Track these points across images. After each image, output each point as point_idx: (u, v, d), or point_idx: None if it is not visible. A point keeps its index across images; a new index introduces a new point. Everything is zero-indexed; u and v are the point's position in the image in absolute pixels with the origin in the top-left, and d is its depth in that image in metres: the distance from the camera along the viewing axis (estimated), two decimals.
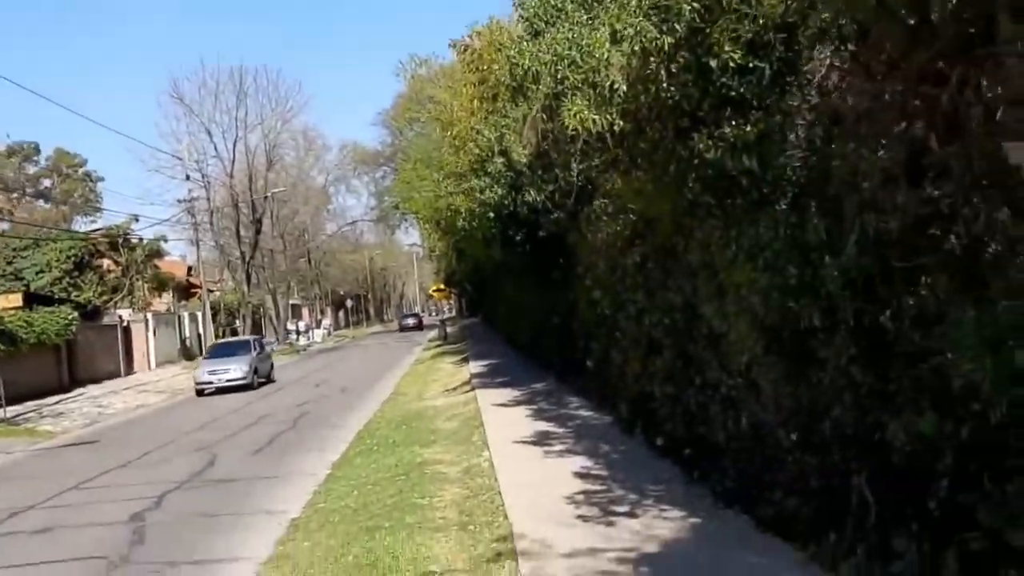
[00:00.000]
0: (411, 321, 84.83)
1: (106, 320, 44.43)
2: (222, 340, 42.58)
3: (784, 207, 6.63)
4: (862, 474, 6.35)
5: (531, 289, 24.23)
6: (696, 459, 10.03)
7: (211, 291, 62.40)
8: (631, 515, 8.42)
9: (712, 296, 8.85)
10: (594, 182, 13.34)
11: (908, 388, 5.61)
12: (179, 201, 48.25)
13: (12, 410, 29.90)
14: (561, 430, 13.81)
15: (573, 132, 9.24)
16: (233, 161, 54.92)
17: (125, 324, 46.25)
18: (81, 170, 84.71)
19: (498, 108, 17.86)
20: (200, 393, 32.39)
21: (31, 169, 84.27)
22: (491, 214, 18.73)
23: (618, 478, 9.99)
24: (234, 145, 55.81)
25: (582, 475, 10.37)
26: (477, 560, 7.75)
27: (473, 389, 21.92)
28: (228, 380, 32.42)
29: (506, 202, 17.59)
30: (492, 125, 18.13)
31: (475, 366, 28.76)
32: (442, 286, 62.08)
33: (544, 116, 11.87)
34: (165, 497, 13.59)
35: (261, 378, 34.70)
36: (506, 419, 15.84)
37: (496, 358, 30.97)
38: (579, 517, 8.46)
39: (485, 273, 39.02)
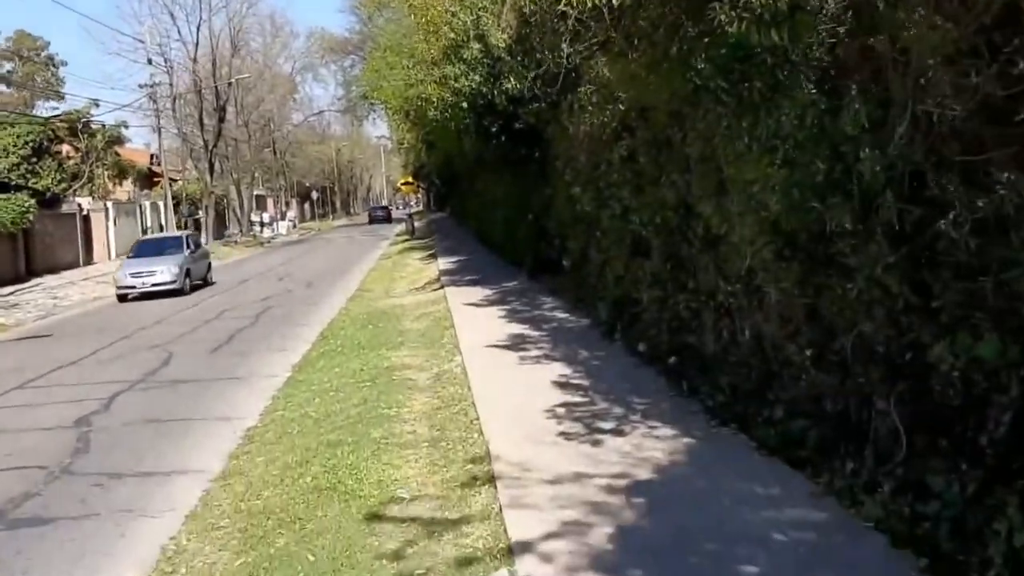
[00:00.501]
0: (380, 213, 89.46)
1: (65, 208, 42.93)
2: (148, 237, 37.04)
3: (813, 91, 5.68)
4: (891, 399, 5.55)
5: (504, 184, 23.25)
6: (684, 370, 9.28)
7: (175, 180, 60.71)
8: (618, 432, 7.63)
9: (712, 193, 7.97)
10: (579, 69, 12.28)
11: (961, 305, 4.77)
12: (140, 86, 46.31)
13: None
14: (536, 333, 12.99)
15: (564, 7, 8.18)
16: (197, 45, 52.63)
17: (85, 213, 44.79)
18: (44, 53, 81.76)
19: None
20: (122, 299, 28.06)
21: None
22: (465, 104, 17.58)
23: (600, 388, 9.20)
24: (198, 28, 53.40)
25: (561, 384, 9.57)
26: (450, 484, 6.93)
27: (442, 287, 21.05)
28: (154, 284, 28.02)
29: (483, 91, 16.48)
30: (468, 7, 16.93)
31: (444, 263, 27.86)
32: (410, 179, 60.66)
33: None
34: (115, 399, 12.72)
35: (196, 280, 30.28)
36: (478, 320, 15.01)
37: (465, 255, 30.06)
38: (561, 435, 7.66)
39: (455, 167, 37.90)
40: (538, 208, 18.49)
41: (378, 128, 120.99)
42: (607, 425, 7.84)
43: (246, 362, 15.31)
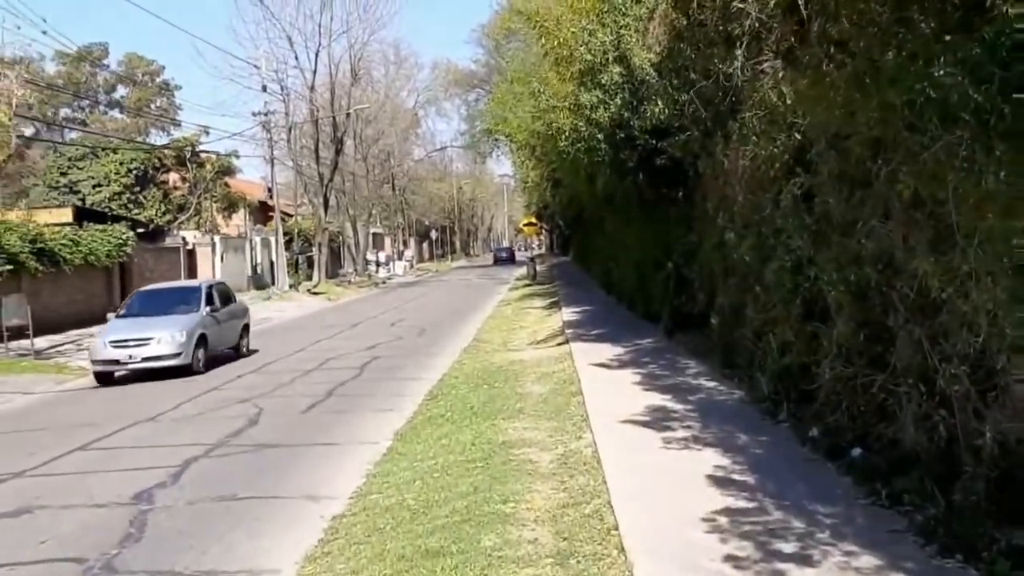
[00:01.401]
0: (504, 254, 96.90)
1: (168, 242, 43.10)
2: (153, 287, 26.62)
3: None
4: None
5: (638, 227, 21.83)
6: (874, 466, 7.68)
7: (288, 216, 61.03)
8: (804, 560, 6.07)
9: (932, 245, 6.41)
10: (740, 92, 10.83)
11: None
12: (254, 114, 46.48)
13: (48, 340, 28.63)
14: (681, 406, 11.44)
15: (741, 4, 6.76)
16: (315, 73, 52.58)
17: (190, 247, 44.94)
18: (158, 79, 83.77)
19: (615, 4, 15.39)
20: (103, 380, 21.07)
21: (101, 77, 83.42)
22: (600, 136, 16.26)
23: (770, 489, 7.65)
24: (316, 55, 53.43)
25: (719, 480, 8.04)
26: None
27: (566, 341, 19.66)
28: (147, 358, 20.72)
29: (622, 119, 15.13)
30: (607, 25, 15.65)
31: (568, 313, 26.47)
32: (533, 220, 59.64)
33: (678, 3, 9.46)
34: (188, 468, 11.66)
35: (221, 349, 23.20)
36: (609, 385, 13.55)
37: (591, 304, 28.64)
38: (729, 560, 6.12)
39: (583, 207, 36.66)
40: (679, 256, 17.00)
41: (501, 166, 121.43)
42: (788, 547, 6.28)
43: (346, 424, 14.21)
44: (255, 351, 24.68)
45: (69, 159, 46.61)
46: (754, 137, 10.29)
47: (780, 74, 8.94)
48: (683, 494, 7.69)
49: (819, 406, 8.91)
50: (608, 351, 17.25)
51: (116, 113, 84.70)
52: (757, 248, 10.96)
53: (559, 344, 19.88)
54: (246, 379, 19.92)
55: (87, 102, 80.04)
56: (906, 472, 7.25)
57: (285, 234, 54.79)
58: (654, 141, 14.82)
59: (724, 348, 13.51)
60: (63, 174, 46.47)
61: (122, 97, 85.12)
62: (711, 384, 12.86)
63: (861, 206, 7.62)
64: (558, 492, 8.54)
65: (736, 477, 8.15)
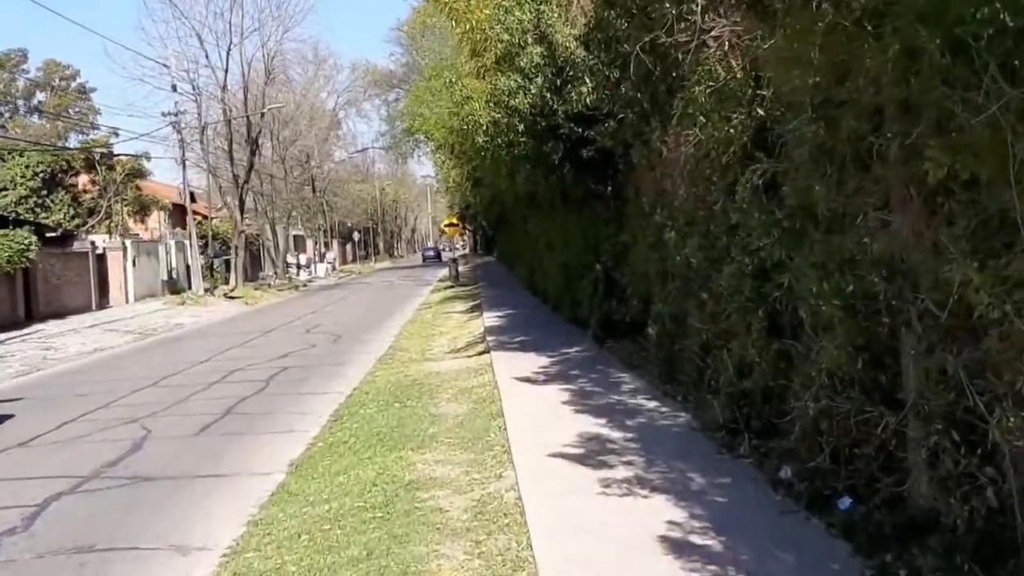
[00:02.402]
0: (432, 253, 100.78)
1: (76, 247, 40.22)
2: None
3: None
4: None
5: (564, 226, 19.98)
6: (877, 526, 5.86)
7: (207, 218, 58.18)
8: None
9: (980, 245, 4.58)
10: (683, 66, 8.91)
11: None
12: (164, 115, 43.64)
13: None
14: (619, 434, 9.49)
15: None
16: (227, 72, 49.38)
17: (100, 251, 42.09)
18: (76, 82, 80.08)
19: None
20: None
21: (21, 83, 79.66)
22: (520, 126, 14.28)
23: (746, 562, 5.74)
24: (228, 53, 50.21)
25: (677, 546, 6.11)
26: None
27: (488, 350, 17.68)
28: None
29: (545, 104, 13.19)
30: (524, 3, 13.72)
31: (490, 317, 24.46)
32: (455, 220, 57.43)
33: None
34: (48, 508, 9.64)
35: None
36: (535, 405, 11.57)
37: (515, 307, 26.65)
38: None
39: (505, 206, 34.86)
40: (609, 257, 15.18)
41: (423, 167, 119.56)
42: None
43: (239, 449, 12.14)
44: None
45: None
46: (702, 117, 8.40)
47: (739, 34, 7.06)
48: (633, 569, 5.76)
49: (794, 442, 7.03)
50: (533, 362, 15.32)
51: (35, 118, 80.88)
52: (705, 249, 9.10)
53: (480, 353, 17.89)
54: (144, 393, 17.70)
55: (5, 108, 76.09)
56: (923, 539, 5.41)
57: (201, 237, 52.01)
58: (580, 129, 12.95)
59: (664, 361, 11.65)
60: None
61: (40, 102, 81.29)
62: (651, 404, 10.94)
63: (856, 195, 5.75)
64: (472, 559, 6.54)
65: (697, 540, 6.22)
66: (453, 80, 17.77)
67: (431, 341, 22.44)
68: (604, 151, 12.89)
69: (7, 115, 79.20)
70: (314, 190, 74.97)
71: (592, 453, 8.74)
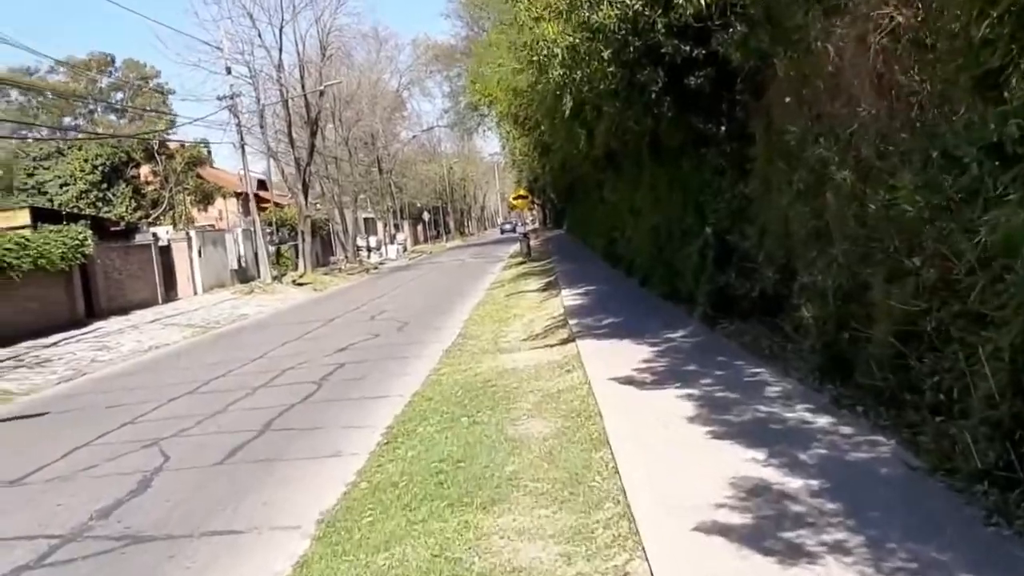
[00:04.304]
0: (508, 227, 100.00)
1: (138, 239, 37.50)
2: None
3: None
4: None
5: (655, 184, 16.47)
6: None
7: (280, 206, 55.43)
8: None
9: None
10: None
11: None
12: (219, 99, 40.63)
13: None
14: (796, 481, 5.90)
15: None
16: (280, 51, 45.90)
17: (164, 243, 39.38)
18: (153, 82, 78.00)
19: None
20: None
21: (105, 83, 77.81)
22: (606, 52, 10.64)
23: None
24: (280, 31, 47.04)
25: None
26: None
27: (572, 338, 14.23)
28: None
29: (640, 17, 9.60)
30: None
31: (569, 295, 20.96)
32: (523, 192, 53.65)
33: None
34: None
35: None
36: (650, 423, 8.04)
37: (594, 282, 23.08)
38: None
39: (576, 174, 31.34)
40: (722, 216, 11.61)
41: (489, 143, 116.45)
42: None
43: (265, 488, 8.95)
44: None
45: (34, 159, 40.98)
46: None
47: None
48: None
49: None
50: (631, 353, 11.87)
51: (112, 117, 79.08)
52: (925, 189, 5.52)
53: (563, 341, 14.44)
54: (180, 403, 14.71)
55: (87, 109, 74.21)
56: None
57: (270, 224, 49.24)
58: (688, 48, 9.38)
59: (828, 354, 8.07)
60: (30, 175, 40.88)
61: (119, 101, 79.44)
62: (822, 421, 7.32)
63: None
64: None
65: None
66: (524, 12, 14.05)
67: (505, 326, 19.06)
68: (721, 75, 9.34)
69: (89, 115, 77.52)
70: (380, 171, 71.59)
71: (768, 524, 5.25)
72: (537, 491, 6.89)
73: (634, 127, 13.36)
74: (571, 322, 15.98)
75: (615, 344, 12.80)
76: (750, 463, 6.37)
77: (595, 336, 13.87)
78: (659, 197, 16.11)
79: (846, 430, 6.93)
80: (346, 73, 58.38)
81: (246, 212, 53.59)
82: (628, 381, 9.94)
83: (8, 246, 26.86)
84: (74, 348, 24.89)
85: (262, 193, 62.45)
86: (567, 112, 16.77)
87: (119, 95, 79.57)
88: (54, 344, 25.81)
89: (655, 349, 11.82)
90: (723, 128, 10.62)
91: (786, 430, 7.17)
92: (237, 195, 54.13)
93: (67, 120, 73.84)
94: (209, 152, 55.81)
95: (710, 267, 12.35)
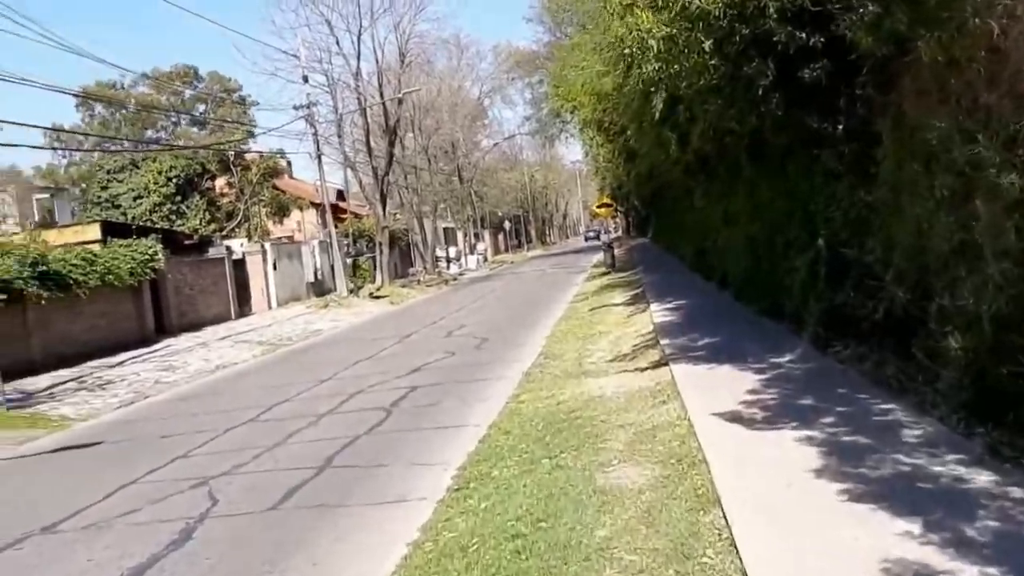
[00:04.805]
0: (592, 235, 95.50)
1: (211, 252, 37.23)
2: None
3: None
4: None
5: (754, 191, 15.18)
6: None
7: (359, 216, 54.95)
8: None
9: None
10: None
11: None
12: (295, 108, 40.23)
13: (53, 376, 22.94)
14: (971, 569, 4.70)
15: None
16: (358, 58, 45.09)
17: (239, 256, 39.11)
18: (236, 94, 78.55)
19: None
20: None
21: (187, 95, 78.58)
22: (707, 42, 9.42)
23: None
24: (358, 38, 46.23)
25: None
26: None
27: (664, 361, 13.01)
28: None
29: (750, 4, 8.40)
30: None
31: (657, 310, 19.71)
32: (607, 200, 52.28)
33: None
34: None
35: None
36: (769, 478, 6.72)
37: (684, 296, 21.75)
38: None
39: (663, 180, 30.03)
40: (837, 227, 10.30)
41: (572, 151, 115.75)
42: None
43: (310, 548, 7.96)
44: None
45: (108, 172, 41.01)
46: None
47: None
48: None
49: None
50: (733, 380, 10.63)
51: (194, 130, 79.88)
52: None
53: (655, 365, 13.21)
54: (238, 433, 13.91)
55: (170, 122, 75.00)
56: None
57: (347, 235, 48.74)
58: (803, 35, 8.14)
59: (981, 391, 6.77)
60: (103, 188, 40.93)
61: (201, 114, 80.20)
62: (983, 478, 5.94)
63: None
64: None
65: None
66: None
67: (589, 344, 17.92)
68: (840, 66, 8.10)
69: (172, 127, 78.38)
70: (461, 180, 70.89)
71: None
72: (635, 568, 5.73)
73: (735, 127, 12.11)
74: (662, 341, 14.77)
75: (714, 369, 11.57)
76: (904, 539, 5.13)
77: (690, 359, 12.63)
78: (759, 204, 14.80)
79: (1017, 493, 5.65)
80: (426, 81, 57.73)
81: (324, 224, 53.27)
82: (734, 418, 8.72)
83: (75, 262, 26.56)
84: (139, 368, 24.42)
85: (340, 204, 62.11)
86: (657, 114, 15.64)
87: (202, 108, 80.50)
88: (119, 364, 25.40)
89: (761, 377, 10.56)
90: (840, 127, 9.33)
91: (940, 491, 5.90)
92: (315, 206, 53.70)
93: (148, 133, 74.83)
94: (289, 163, 55.72)
95: (822, 283, 11.03)
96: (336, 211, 59.80)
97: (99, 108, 65.99)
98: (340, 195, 61.06)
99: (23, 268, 24.24)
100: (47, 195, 49.73)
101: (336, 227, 43.73)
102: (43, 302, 24.76)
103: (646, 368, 13.20)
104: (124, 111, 63.34)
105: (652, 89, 12.70)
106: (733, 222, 17.64)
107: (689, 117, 14.59)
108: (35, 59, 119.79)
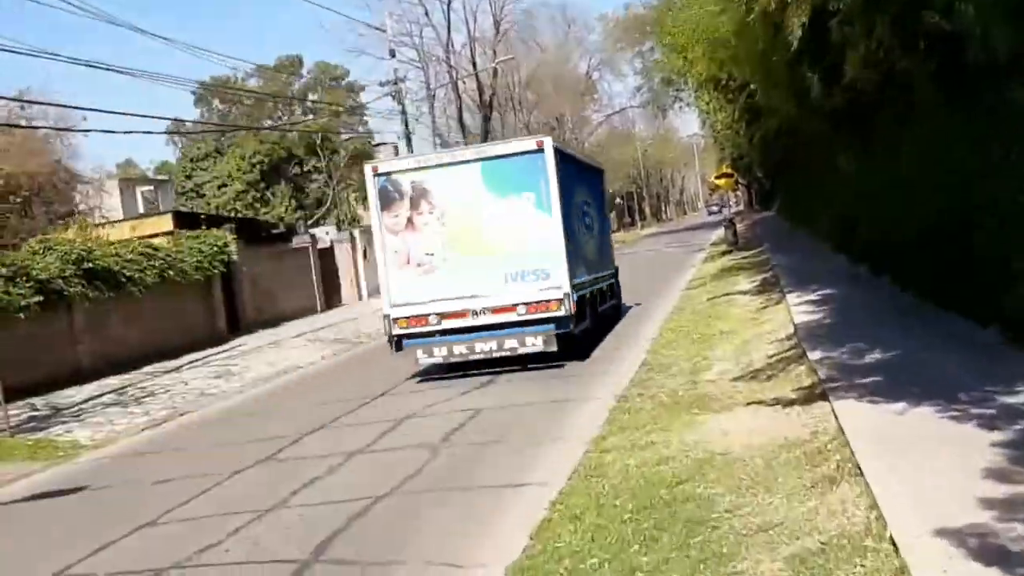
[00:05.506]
0: (715, 208, 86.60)
1: (295, 242, 34.00)
2: None
3: None
4: None
5: (930, 136, 10.72)
6: None
7: None
8: None
9: None
10: None
11: None
12: (381, 84, 36.58)
13: (88, 390, 19.89)
14: None
15: None
16: (449, 29, 41.60)
17: (326, 245, 35.86)
18: (344, 81, 75.91)
19: None
20: None
21: (298, 85, 76.34)
22: None
23: None
24: (448, 6, 42.67)
25: None
26: None
27: (820, 392, 8.69)
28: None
29: None
30: None
31: (797, 303, 15.25)
32: (727, 170, 46.99)
33: None
34: None
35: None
36: None
37: (830, 283, 17.02)
38: None
39: (794, 141, 25.49)
40: None
41: (687, 123, 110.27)
42: None
43: None
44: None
45: (192, 160, 38.23)
46: None
47: None
48: None
49: None
50: (948, 438, 6.37)
51: (309, 117, 77.55)
52: None
53: (804, 396, 8.93)
54: (242, 481, 10.39)
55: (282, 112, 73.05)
56: None
57: None
58: None
59: None
60: (188, 177, 38.18)
61: (312, 102, 77.84)
62: None
63: None
64: None
65: None
66: None
67: (708, 349, 13.70)
68: None
69: (285, 117, 76.29)
70: None
71: None
72: None
73: (919, 45, 7.80)
74: (811, 354, 10.43)
75: (906, 413, 7.25)
76: None
77: (859, 389, 8.29)
78: (938, 155, 10.36)
79: None
80: (527, 54, 53.61)
81: None
82: (982, 544, 4.49)
83: (130, 257, 23.52)
84: (192, 375, 21.15)
85: None
86: (793, 46, 11.53)
87: (312, 97, 78.02)
88: (176, 369, 22.22)
89: (998, 437, 6.23)
90: None
91: None
92: None
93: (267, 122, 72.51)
94: (396, 148, 52.35)
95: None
96: None
97: (216, 103, 63.97)
98: None
99: (65, 266, 21.26)
100: (150, 187, 47.71)
101: None
102: (88, 303, 21.82)
103: (792, 400, 8.91)
104: (241, 103, 61.12)
105: (778, 23, 8.49)
106: (899, 186, 13.05)
107: (842, 41, 10.31)
108: (148, 56, 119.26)
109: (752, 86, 21.69)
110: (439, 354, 14.84)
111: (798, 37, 11.23)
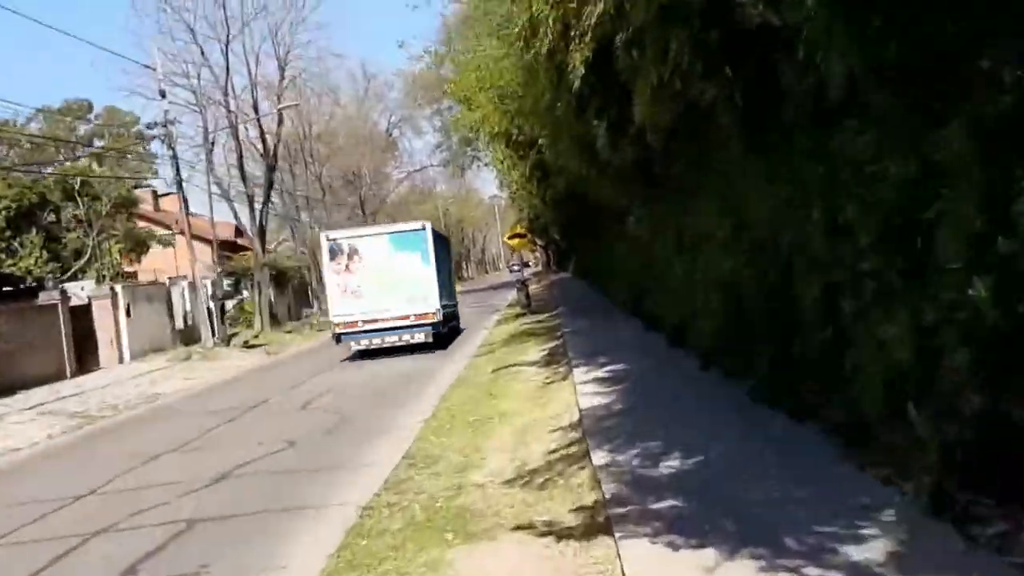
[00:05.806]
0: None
1: (42, 299, 29.98)
2: None
3: None
4: None
5: (749, 184, 8.92)
6: None
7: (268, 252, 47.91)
8: None
9: None
10: None
11: None
12: (147, 127, 33.12)
13: None
14: None
15: None
16: (227, 70, 38.04)
17: (81, 301, 31.94)
18: (135, 128, 70.82)
19: None
20: None
21: (82, 130, 70.61)
22: None
23: None
24: (226, 46, 38.81)
25: None
26: None
27: (604, 522, 6.54)
28: None
29: None
30: None
31: (585, 380, 13.25)
32: (520, 230, 45.18)
33: None
34: None
35: None
36: None
37: (623, 354, 15.20)
38: None
39: (585, 202, 23.93)
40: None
41: (488, 185, 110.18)
42: None
43: None
44: None
45: None
46: None
47: None
48: None
49: None
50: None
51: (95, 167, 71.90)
52: None
53: (583, 515, 6.79)
54: None
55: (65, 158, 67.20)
56: None
57: (230, 274, 41.70)
58: None
59: None
60: None
61: (100, 147, 72.22)
62: None
63: None
64: None
65: None
66: None
67: (484, 439, 11.49)
68: None
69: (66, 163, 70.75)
70: (363, 212, 63.11)
71: None
72: None
73: (724, 69, 5.91)
74: (595, 455, 8.34)
75: (717, 572, 5.16)
76: None
77: (655, 522, 6.16)
78: (748, 219, 8.59)
79: None
80: (319, 107, 51.00)
81: (219, 260, 46.06)
82: None
83: None
84: None
85: (240, 240, 55.06)
86: (575, 85, 9.76)
87: (99, 143, 72.50)
88: None
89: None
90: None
91: None
92: (204, 241, 46.70)
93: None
94: (155, 193, 48.56)
95: (966, 374, 4.77)
96: (236, 248, 52.78)
97: None
98: (238, 231, 54.09)
99: None
100: None
101: (219, 266, 36.63)
102: None
103: (570, 530, 6.70)
104: (19, 146, 55.65)
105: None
106: (699, 246, 11.27)
107: (632, 71, 8.45)
108: None
109: (541, 141, 20.05)
110: (364, 343, 24.68)
111: (580, 75, 9.44)
